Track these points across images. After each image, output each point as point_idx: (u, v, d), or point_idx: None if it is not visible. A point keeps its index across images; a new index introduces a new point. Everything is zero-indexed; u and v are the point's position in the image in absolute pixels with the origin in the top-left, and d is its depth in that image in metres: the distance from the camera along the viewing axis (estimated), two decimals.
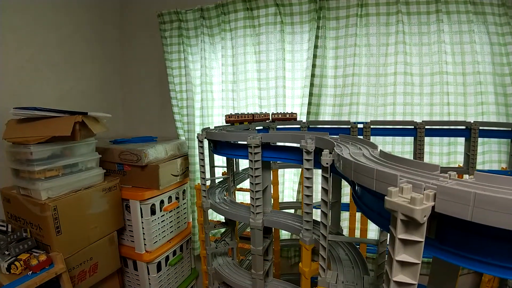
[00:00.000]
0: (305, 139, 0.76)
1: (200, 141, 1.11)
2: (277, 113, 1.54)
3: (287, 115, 1.54)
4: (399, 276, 0.36)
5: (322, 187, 0.68)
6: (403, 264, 0.36)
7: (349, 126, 1.48)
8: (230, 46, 1.76)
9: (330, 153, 0.64)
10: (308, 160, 0.76)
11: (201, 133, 1.12)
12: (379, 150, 0.57)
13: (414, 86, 1.53)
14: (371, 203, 0.50)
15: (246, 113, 1.44)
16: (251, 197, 0.92)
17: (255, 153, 0.89)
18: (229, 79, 1.80)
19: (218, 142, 1.09)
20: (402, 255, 0.36)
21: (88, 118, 1.43)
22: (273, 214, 0.97)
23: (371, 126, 1.46)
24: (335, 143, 0.66)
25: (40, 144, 1.29)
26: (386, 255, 0.40)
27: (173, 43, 1.85)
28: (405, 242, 0.36)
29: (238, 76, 1.77)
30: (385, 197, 0.37)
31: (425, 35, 1.49)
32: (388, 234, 0.38)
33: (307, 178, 0.76)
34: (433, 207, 0.34)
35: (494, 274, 0.34)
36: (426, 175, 0.40)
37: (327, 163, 0.65)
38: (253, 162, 0.89)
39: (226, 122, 1.40)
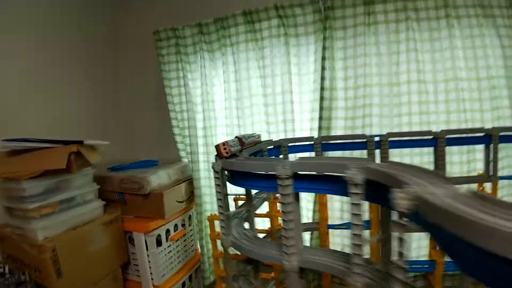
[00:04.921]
0: (349, 169, 0.66)
1: (216, 172, 1.00)
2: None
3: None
4: None
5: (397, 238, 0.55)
6: None
7: (365, 140, 1.41)
8: (231, 62, 1.67)
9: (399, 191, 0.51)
10: (356, 194, 0.66)
11: (215, 161, 1.01)
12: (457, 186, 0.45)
13: (429, 94, 1.47)
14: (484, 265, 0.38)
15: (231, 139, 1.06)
16: (283, 235, 0.81)
17: (286, 186, 0.78)
18: (232, 96, 1.70)
19: (236, 172, 0.99)
20: None
21: (84, 147, 1.31)
22: (309, 252, 0.86)
23: (389, 139, 1.39)
24: (400, 178, 0.55)
25: (33, 179, 1.17)
26: None
27: (171, 61, 1.75)
28: None
29: (242, 93, 1.67)
30: None
31: (437, 41, 1.44)
32: None
33: (355, 214, 0.66)
34: None
35: None
36: None
37: (405, 208, 0.47)
38: (284, 196, 0.79)
39: (221, 156, 1.00)
